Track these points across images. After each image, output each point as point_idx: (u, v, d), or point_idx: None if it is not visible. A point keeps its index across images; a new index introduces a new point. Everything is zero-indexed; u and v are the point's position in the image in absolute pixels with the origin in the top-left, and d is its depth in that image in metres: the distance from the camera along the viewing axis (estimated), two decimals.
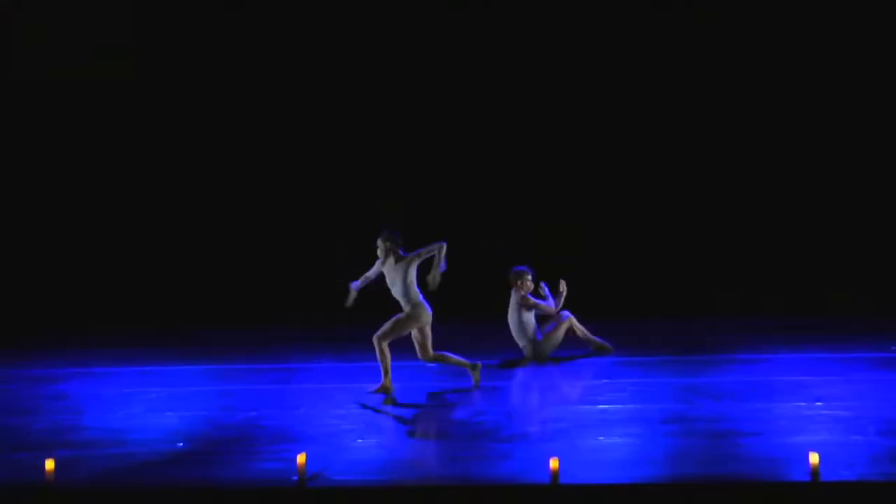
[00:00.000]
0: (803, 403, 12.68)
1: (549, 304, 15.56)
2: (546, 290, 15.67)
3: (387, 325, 13.50)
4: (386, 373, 13.55)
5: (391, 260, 13.56)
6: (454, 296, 16.32)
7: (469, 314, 17.24)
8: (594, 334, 15.70)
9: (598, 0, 19.24)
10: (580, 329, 15.62)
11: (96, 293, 19.17)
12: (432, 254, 13.55)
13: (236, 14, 19.45)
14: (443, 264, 13.53)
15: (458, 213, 19.21)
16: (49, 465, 10.36)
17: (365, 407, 13.03)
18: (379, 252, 13.61)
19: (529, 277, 15.51)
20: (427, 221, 19.14)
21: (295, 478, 10.27)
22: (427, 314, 13.56)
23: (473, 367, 13.94)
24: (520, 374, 14.82)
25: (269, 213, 19.58)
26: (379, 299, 13.83)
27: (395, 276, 13.54)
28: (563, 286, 15.66)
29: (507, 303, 15.59)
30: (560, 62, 19.33)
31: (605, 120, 19.38)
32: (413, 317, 13.52)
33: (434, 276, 13.52)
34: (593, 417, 12.31)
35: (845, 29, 19.01)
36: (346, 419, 12.44)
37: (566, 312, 15.59)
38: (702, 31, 19.17)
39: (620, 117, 19.38)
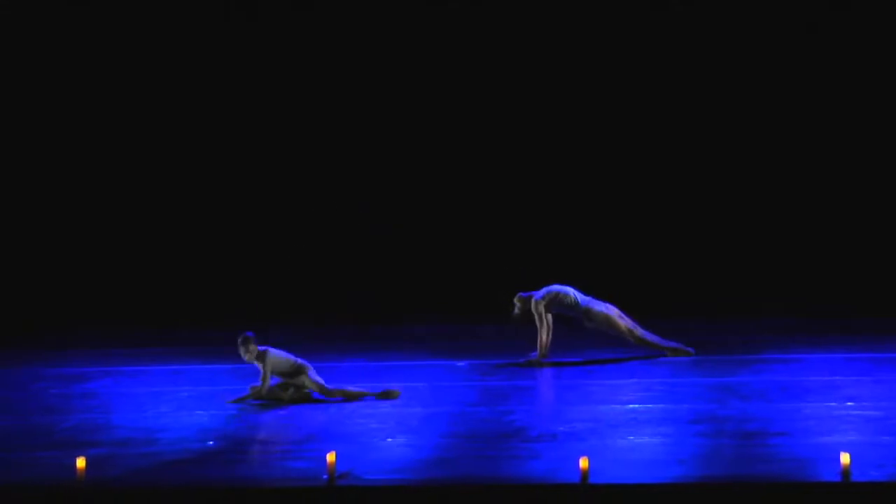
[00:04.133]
0: (834, 403, 12.65)
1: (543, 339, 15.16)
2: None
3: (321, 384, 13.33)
4: (359, 396, 13.37)
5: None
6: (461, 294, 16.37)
7: (469, 314, 17.30)
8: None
9: (597, 0, 19.24)
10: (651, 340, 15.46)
11: (119, 292, 19.22)
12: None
13: (234, 13, 19.48)
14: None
15: (458, 213, 19.26)
16: (80, 463, 10.40)
17: (394, 406, 13.03)
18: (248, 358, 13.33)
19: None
20: (426, 221, 19.23)
21: (325, 476, 10.29)
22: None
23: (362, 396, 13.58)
24: (547, 374, 14.80)
25: (275, 213, 19.61)
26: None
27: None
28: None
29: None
30: (560, 62, 19.32)
31: (606, 120, 19.37)
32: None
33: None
34: (623, 417, 12.30)
35: (845, 29, 18.97)
36: (375, 418, 12.45)
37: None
38: (702, 32, 19.13)
39: (621, 117, 19.37)
